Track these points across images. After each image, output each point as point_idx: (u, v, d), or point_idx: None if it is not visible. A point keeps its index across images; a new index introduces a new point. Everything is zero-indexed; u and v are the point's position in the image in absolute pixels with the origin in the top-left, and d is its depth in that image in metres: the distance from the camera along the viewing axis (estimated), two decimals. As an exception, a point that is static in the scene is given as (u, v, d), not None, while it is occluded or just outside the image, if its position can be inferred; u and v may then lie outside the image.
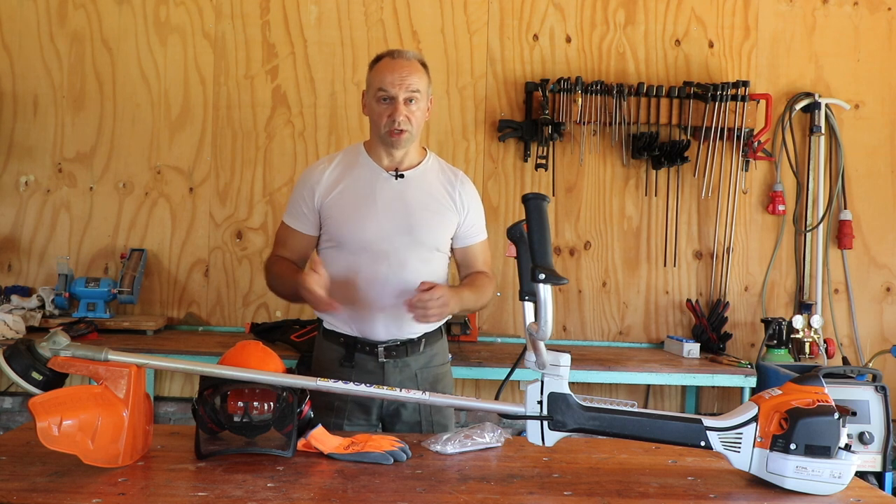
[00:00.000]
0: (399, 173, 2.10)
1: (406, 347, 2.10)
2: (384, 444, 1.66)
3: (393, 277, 2.05)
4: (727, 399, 3.50)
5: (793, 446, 1.50)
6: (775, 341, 3.28)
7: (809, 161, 3.54)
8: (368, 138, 2.18)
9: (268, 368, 1.67)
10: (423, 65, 2.10)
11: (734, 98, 3.35)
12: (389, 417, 2.14)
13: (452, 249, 2.20)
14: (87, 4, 3.41)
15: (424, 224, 2.09)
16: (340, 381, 1.65)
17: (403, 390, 1.67)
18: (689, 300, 3.48)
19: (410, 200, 2.09)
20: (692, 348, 3.21)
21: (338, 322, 2.12)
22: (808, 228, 3.53)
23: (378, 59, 2.10)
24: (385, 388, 1.67)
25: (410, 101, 2.04)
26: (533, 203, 1.51)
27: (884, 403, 2.86)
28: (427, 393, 1.67)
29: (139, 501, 1.38)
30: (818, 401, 1.53)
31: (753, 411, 1.57)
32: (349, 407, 2.09)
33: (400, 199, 2.09)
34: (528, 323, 1.56)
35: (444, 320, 2.13)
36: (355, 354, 2.10)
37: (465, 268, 2.22)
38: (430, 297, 1.93)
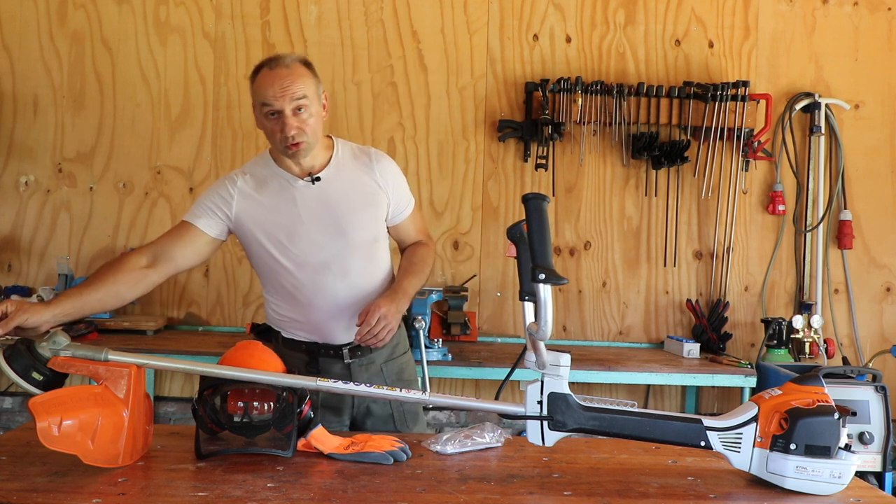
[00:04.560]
0: (315, 177, 1.99)
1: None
2: (384, 444, 1.66)
3: (341, 285, 2.01)
4: (727, 399, 3.50)
5: (793, 446, 1.50)
6: (775, 341, 3.28)
7: (809, 161, 3.54)
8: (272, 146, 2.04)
9: (268, 368, 1.67)
10: (306, 64, 1.96)
11: (734, 98, 3.35)
12: (362, 416, 2.11)
13: (388, 229, 2.14)
14: (87, 4, 3.41)
15: (356, 223, 2.02)
16: (340, 382, 1.64)
17: (404, 390, 1.66)
18: (689, 300, 3.48)
19: (334, 202, 2.00)
20: (692, 348, 3.21)
21: (297, 331, 2.07)
22: (808, 228, 3.53)
23: (256, 70, 1.95)
24: (385, 387, 1.67)
25: (300, 109, 1.91)
26: (533, 203, 1.50)
27: (884, 403, 2.86)
28: (427, 393, 1.67)
29: (139, 501, 1.38)
30: (818, 401, 1.53)
31: (753, 411, 1.57)
32: (320, 410, 2.05)
33: (323, 204, 1.99)
34: (528, 323, 1.56)
35: (399, 319, 2.07)
36: (320, 359, 2.06)
37: (403, 242, 2.19)
38: (368, 326, 1.90)
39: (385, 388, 1.67)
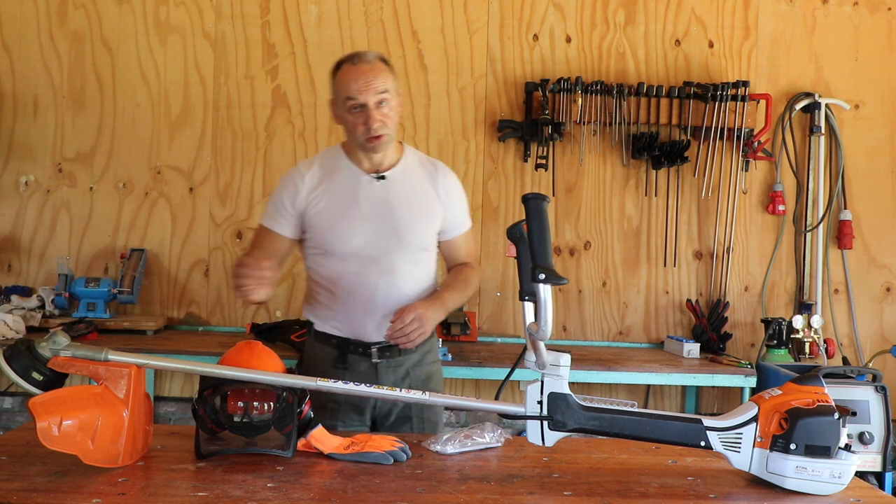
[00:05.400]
0: (380, 175, 2.07)
1: (399, 347, 2.09)
2: (384, 444, 1.66)
3: (383, 281, 2.05)
4: (727, 399, 3.50)
5: (793, 446, 1.50)
6: (775, 341, 3.28)
7: (809, 161, 3.54)
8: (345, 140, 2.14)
9: (268, 368, 1.67)
10: (385, 61, 2.04)
11: (734, 98, 3.35)
12: (382, 417, 2.13)
13: (438, 243, 2.18)
14: (87, 4, 3.41)
15: (411, 226, 2.08)
16: (340, 382, 1.64)
17: (403, 390, 1.67)
18: (689, 300, 3.48)
19: (394, 202, 2.07)
20: (692, 348, 3.21)
21: (330, 324, 2.12)
22: (808, 228, 3.53)
23: (338, 66, 2.04)
24: (385, 388, 1.67)
25: (381, 103, 1.99)
26: (533, 203, 1.51)
27: (884, 403, 2.86)
28: (427, 393, 1.67)
29: (139, 501, 1.38)
30: (818, 401, 1.53)
31: (753, 411, 1.57)
32: (343, 408, 2.08)
33: (384, 201, 2.06)
34: (528, 323, 1.56)
35: (433, 328, 2.11)
36: (348, 356, 2.09)
37: (451, 260, 2.23)
38: (402, 324, 1.95)
39: (385, 388, 1.67)
